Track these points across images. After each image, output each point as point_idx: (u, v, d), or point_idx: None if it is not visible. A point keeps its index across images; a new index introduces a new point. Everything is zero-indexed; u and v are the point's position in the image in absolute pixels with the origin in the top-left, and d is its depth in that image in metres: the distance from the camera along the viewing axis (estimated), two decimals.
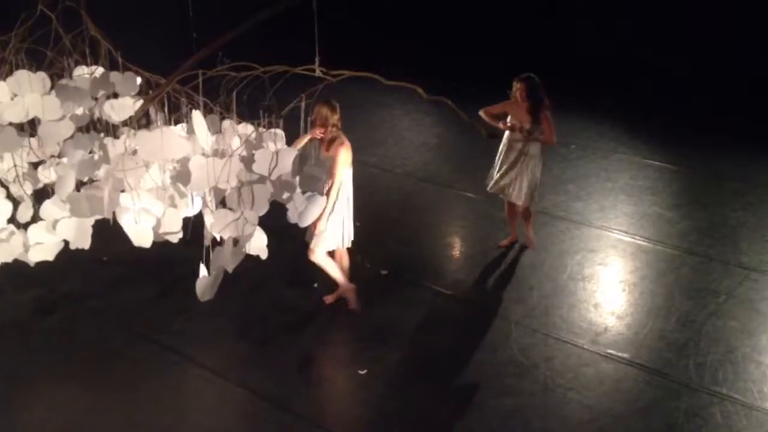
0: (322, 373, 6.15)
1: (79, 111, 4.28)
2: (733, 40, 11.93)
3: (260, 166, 3.39)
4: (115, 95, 4.28)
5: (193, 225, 3.89)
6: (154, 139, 3.38)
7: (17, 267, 4.95)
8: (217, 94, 3.79)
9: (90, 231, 4.50)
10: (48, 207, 4.05)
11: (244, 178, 3.39)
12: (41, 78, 4.18)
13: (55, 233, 4.16)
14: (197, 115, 3.42)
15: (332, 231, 6.30)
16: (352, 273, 6.81)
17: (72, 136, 4.16)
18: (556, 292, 6.97)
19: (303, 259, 7.21)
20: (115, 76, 4.31)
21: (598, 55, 12.58)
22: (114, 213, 3.66)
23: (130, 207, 3.48)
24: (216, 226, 3.45)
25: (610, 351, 6.17)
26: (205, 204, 3.55)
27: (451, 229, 8.43)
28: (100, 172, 3.89)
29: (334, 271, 6.58)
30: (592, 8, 13.11)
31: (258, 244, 3.63)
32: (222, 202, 3.56)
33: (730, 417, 5.45)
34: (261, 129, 3.58)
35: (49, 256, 4.48)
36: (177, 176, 3.51)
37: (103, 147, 3.85)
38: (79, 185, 4.05)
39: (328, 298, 6.80)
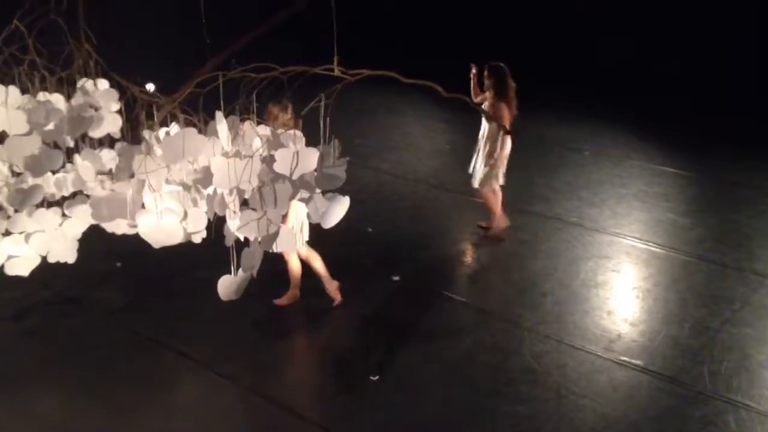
0: (334, 379, 6.13)
1: (50, 126, 4.31)
2: (747, 45, 11.88)
3: (281, 166, 3.39)
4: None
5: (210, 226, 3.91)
6: (176, 141, 3.40)
7: (32, 272, 4.98)
8: (237, 95, 3.80)
9: (76, 245, 4.54)
10: (18, 220, 4.09)
11: (266, 178, 3.40)
12: (10, 91, 4.23)
13: (27, 247, 4.20)
14: (219, 116, 3.43)
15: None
16: (365, 279, 6.80)
17: (39, 152, 4.20)
18: (569, 299, 6.94)
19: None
20: (93, 90, 4.35)
21: (612, 61, 12.55)
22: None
23: (153, 209, 3.49)
24: (239, 226, 3.46)
25: (623, 358, 6.13)
26: (226, 205, 3.56)
27: (463, 235, 8.41)
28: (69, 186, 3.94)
29: (295, 276, 6.73)
30: (606, 15, 13.08)
31: (287, 241, 3.65)
32: (244, 203, 3.57)
33: (744, 425, 5.40)
34: (279, 130, 3.58)
35: (24, 271, 4.52)
36: (198, 177, 3.52)
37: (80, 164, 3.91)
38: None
39: (283, 301, 6.83)
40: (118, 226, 4.40)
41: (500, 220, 7.99)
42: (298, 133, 3.66)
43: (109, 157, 4.42)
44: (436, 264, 7.66)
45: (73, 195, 4.51)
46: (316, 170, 3.58)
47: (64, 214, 4.44)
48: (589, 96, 11.99)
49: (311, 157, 3.46)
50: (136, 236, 4.26)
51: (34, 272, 4.72)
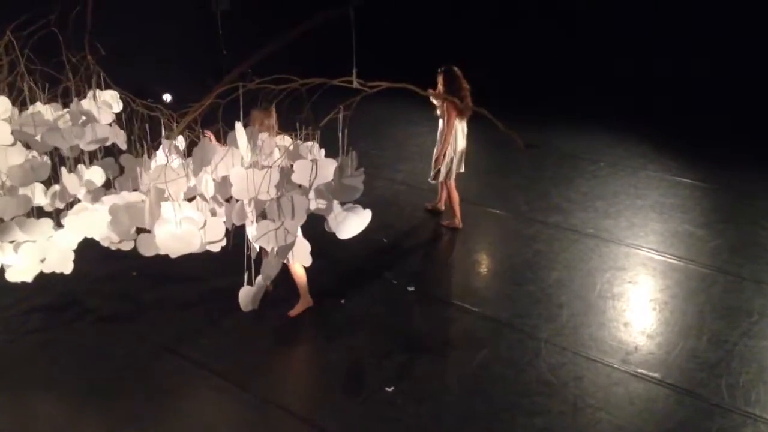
0: (349, 389, 6.12)
1: (37, 138, 4.35)
2: (763, 53, 11.83)
3: (299, 177, 3.40)
4: None
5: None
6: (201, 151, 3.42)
7: (44, 280, 5.00)
8: (256, 106, 3.81)
9: (72, 256, 4.58)
10: (8, 230, 4.13)
11: (284, 188, 3.41)
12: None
13: (17, 256, 4.23)
14: (239, 127, 3.45)
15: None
16: (380, 289, 6.79)
17: (25, 162, 4.23)
18: (585, 311, 6.91)
19: (330, 275, 7.24)
20: (89, 104, 4.38)
21: (628, 71, 12.53)
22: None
23: (172, 218, 3.51)
24: (257, 236, 3.47)
25: (640, 370, 6.09)
26: (246, 215, 3.57)
27: (478, 246, 8.40)
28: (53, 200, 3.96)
29: (302, 283, 6.81)
30: (623, 26, 13.07)
31: (301, 253, 3.66)
32: (262, 214, 3.59)
33: None
34: (298, 141, 3.60)
35: (27, 278, 4.56)
36: (217, 187, 3.53)
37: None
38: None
39: (297, 310, 6.88)
40: (111, 240, 4.47)
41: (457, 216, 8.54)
42: (315, 144, 3.67)
43: (97, 172, 4.47)
44: (452, 274, 7.65)
45: (71, 205, 4.56)
46: (333, 181, 3.59)
47: (59, 225, 4.48)
48: (605, 107, 11.96)
49: (329, 168, 3.47)
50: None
51: (49, 281, 4.75)
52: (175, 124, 4.30)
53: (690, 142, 10.82)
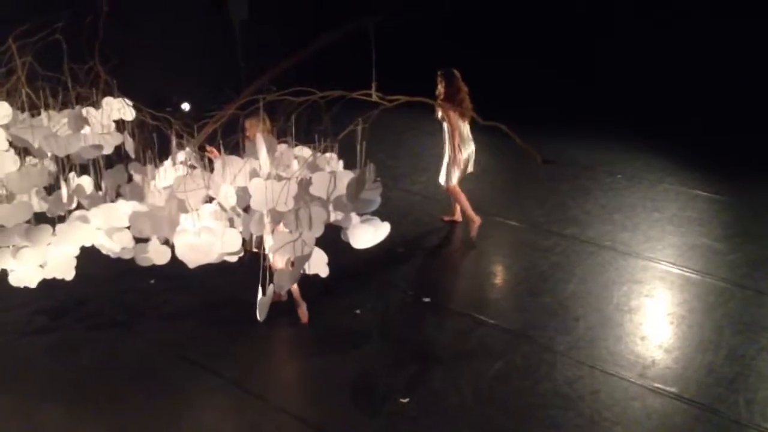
0: (363, 400, 6.11)
1: (35, 145, 4.39)
2: None
3: (318, 189, 3.41)
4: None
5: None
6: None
7: (67, 287, 5.04)
8: (276, 118, 3.83)
9: (74, 263, 4.61)
10: (7, 235, 4.16)
11: (302, 200, 3.42)
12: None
13: (17, 261, 4.27)
14: (259, 139, 3.47)
15: None
16: (395, 300, 6.79)
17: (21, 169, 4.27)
18: (602, 324, 6.87)
19: (345, 285, 7.24)
20: (88, 111, 4.41)
21: (646, 84, 12.48)
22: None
23: (190, 228, 3.52)
24: (275, 247, 3.48)
25: (657, 385, 6.05)
26: (264, 226, 3.58)
27: (494, 257, 8.37)
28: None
29: (295, 289, 6.85)
30: (643, 37, 13.03)
31: (318, 263, 3.66)
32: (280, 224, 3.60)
33: None
34: (317, 153, 3.61)
35: (30, 283, 4.60)
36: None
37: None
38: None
39: (304, 316, 6.96)
40: (109, 249, 4.51)
41: (471, 217, 8.63)
42: (334, 156, 3.68)
43: (85, 181, 4.51)
44: (467, 285, 7.63)
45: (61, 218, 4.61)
46: (348, 193, 3.60)
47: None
48: (623, 119, 11.91)
49: (347, 180, 3.48)
50: (172, 252, 4.31)
51: (67, 288, 4.78)
52: (184, 134, 4.33)
53: (708, 155, 10.75)
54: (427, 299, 7.31)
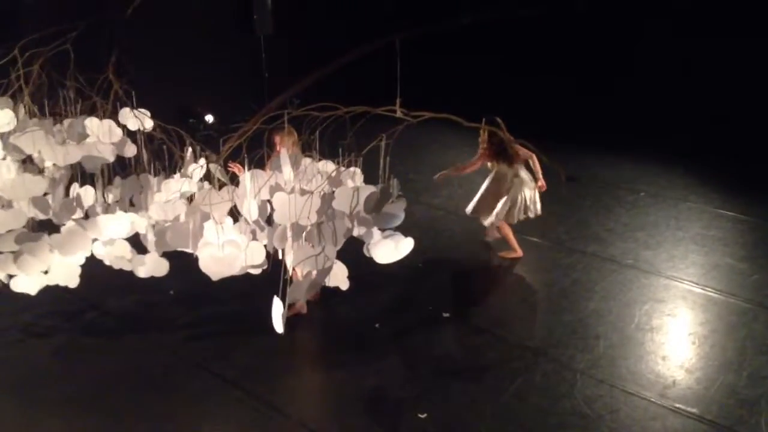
0: (382, 415, 6.10)
1: (34, 155, 4.45)
2: None
3: (340, 203, 3.44)
4: None
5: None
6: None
7: (86, 294, 5.08)
8: (300, 132, 3.87)
9: (78, 270, 4.66)
10: (3, 242, 4.21)
11: (325, 214, 3.45)
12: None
13: (17, 267, 4.31)
14: (283, 153, 3.50)
15: None
16: (415, 315, 6.78)
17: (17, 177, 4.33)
18: (622, 343, 6.82)
19: (365, 299, 7.25)
20: (92, 123, 4.47)
21: (671, 101, 12.42)
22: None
23: (214, 240, 3.56)
24: (296, 260, 3.50)
25: (678, 405, 5.99)
26: (287, 239, 3.61)
27: (515, 273, 8.35)
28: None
29: None
30: (669, 54, 12.98)
31: (339, 277, 3.68)
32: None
33: None
34: (341, 168, 3.64)
35: (31, 290, 4.65)
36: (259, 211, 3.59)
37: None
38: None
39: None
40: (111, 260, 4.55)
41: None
42: (357, 170, 3.70)
43: (88, 192, 4.56)
44: (488, 301, 7.61)
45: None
46: (369, 208, 3.62)
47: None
48: (646, 136, 11.86)
49: (367, 195, 3.51)
50: (190, 264, 4.35)
51: (86, 295, 4.81)
52: (198, 146, 4.37)
53: (733, 174, 10.67)
54: (446, 314, 7.30)
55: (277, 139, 6.60)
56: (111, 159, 4.62)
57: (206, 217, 3.56)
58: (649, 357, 6.61)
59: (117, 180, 4.75)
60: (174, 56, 11.61)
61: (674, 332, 7.02)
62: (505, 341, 6.91)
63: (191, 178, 4.18)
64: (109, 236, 4.52)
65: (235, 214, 3.86)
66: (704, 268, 8.14)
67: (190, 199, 4.11)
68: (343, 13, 13.67)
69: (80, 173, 4.85)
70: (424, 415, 5.90)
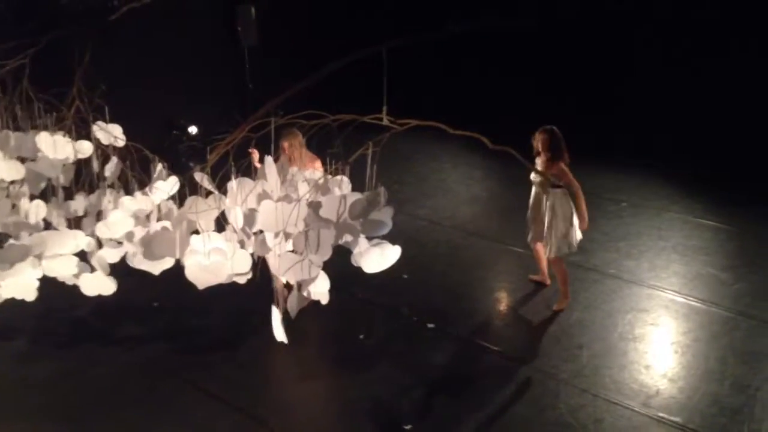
0: (367, 426, 6.08)
1: None
2: None
3: (327, 211, 3.44)
4: None
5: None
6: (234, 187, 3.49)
7: (68, 308, 5.04)
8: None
9: (35, 284, 4.64)
10: None
11: (311, 222, 3.45)
12: None
13: None
14: (268, 161, 3.51)
15: None
16: (399, 326, 6.77)
17: None
18: (606, 352, 6.85)
19: (349, 310, 7.24)
20: (40, 138, 4.49)
21: (652, 111, 12.51)
22: None
23: (201, 249, 3.55)
24: (281, 268, 3.50)
25: (661, 414, 6.02)
26: (269, 248, 3.60)
27: (499, 284, 8.38)
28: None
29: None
30: (648, 64, 13.08)
31: (320, 289, 3.68)
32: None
33: None
34: (328, 175, 3.65)
35: (27, 296, 4.63)
36: (245, 219, 3.58)
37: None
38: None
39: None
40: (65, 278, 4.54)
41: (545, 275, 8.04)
42: (345, 179, 3.71)
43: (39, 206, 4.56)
44: (472, 312, 7.62)
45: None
46: (356, 215, 3.62)
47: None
48: (628, 146, 11.92)
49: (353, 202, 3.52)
50: (173, 276, 4.32)
51: (68, 309, 4.77)
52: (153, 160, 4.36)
53: (715, 184, 10.75)
54: (431, 325, 7.30)
55: (286, 144, 6.60)
56: (54, 175, 4.62)
57: (192, 225, 3.56)
58: (633, 366, 6.64)
59: (78, 195, 4.73)
60: (158, 68, 11.59)
61: (657, 341, 7.06)
62: (489, 352, 6.92)
63: (151, 195, 4.17)
64: (54, 252, 4.47)
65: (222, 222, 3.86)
66: (686, 277, 8.19)
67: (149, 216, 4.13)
68: (328, 25, 13.70)
69: (51, 188, 4.82)
70: (409, 427, 5.90)
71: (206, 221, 3.57)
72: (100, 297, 4.65)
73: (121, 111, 4.93)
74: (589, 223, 7.43)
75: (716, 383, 6.40)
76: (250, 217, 3.49)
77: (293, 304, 3.75)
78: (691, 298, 7.74)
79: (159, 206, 4.18)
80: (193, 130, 12.11)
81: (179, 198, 3.80)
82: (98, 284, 4.47)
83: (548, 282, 7.97)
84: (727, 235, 9.27)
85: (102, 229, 4.19)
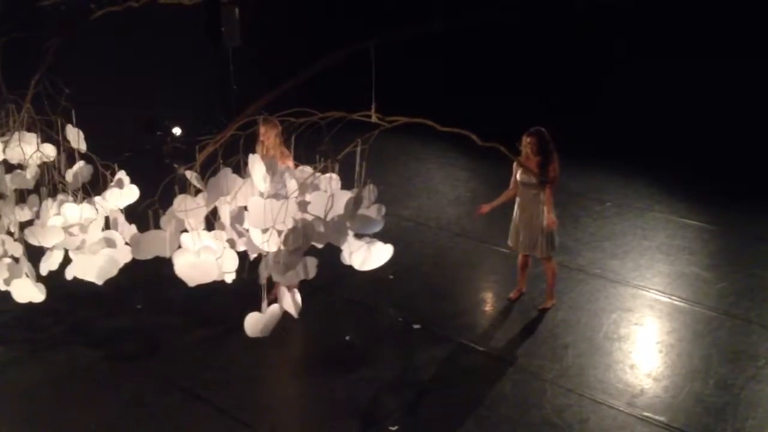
0: (353, 427, 6.07)
1: None
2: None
3: (315, 208, 3.44)
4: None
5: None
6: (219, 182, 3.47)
7: (54, 313, 5.00)
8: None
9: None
10: None
11: (300, 219, 3.44)
12: None
13: None
14: (254, 158, 3.49)
15: None
16: (385, 327, 6.77)
17: None
18: (591, 352, 6.87)
19: (335, 311, 7.23)
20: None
21: (636, 112, 12.56)
22: None
23: (191, 248, 3.53)
24: (267, 267, 3.49)
25: (646, 414, 6.04)
26: (257, 247, 3.58)
27: (484, 284, 8.39)
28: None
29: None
30: (633, 67, 13.14)
31: (290, 303, 3.69)
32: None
33: None
34: (317, 173, 3.64)
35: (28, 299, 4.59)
36: (234, 217, 3.57)
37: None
38: None
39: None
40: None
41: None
42: (334, 176, 3.71)
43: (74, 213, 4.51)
44: (457, 312, 7.62)
45: None
46: (346, 213, 3.61)
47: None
48: (612, 146, 11.96)
49: (345, 200, 3.50)
50: (158, 278, 4.28)
51: (54, 314, 4.72)
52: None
53: (698, 184, 10.80)
54: (417, 326, 7.30)
55: (262, 129, 6.55)
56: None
57: (182, 224, 3.54)
58: (618, 366, 6.67)
59: (30, 199, 4.67)
60: (141, 68, 11.54)
61: (642, 341, 7.09)
62: (475, 352, 6.93)
63: (101, 203, 4.13)
64: None
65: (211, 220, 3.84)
66: (670, 277, 8.23)
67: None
68: (312, 24, 13.69)
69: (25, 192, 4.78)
70: (395, 428, 5.89)
71: (195, 220, 3.55)
72: (78, 297, 4.61)
73: (102, 112, 4.89)
74: (570, 222, 7.43)
75: (701, 382, 6.43)
76: (238, 214, 3.48)
77: (291, 305, 3.75)
78: (676, 298, 7.78)
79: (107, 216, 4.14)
80: (177, 131, 12.06)
81: (169, 197, 3.75)
82: (27, 292, 4.40)
83: (524, 289, 7.83)
84: (711, 235, 9.32)
85: (30, 236, 4.11)
